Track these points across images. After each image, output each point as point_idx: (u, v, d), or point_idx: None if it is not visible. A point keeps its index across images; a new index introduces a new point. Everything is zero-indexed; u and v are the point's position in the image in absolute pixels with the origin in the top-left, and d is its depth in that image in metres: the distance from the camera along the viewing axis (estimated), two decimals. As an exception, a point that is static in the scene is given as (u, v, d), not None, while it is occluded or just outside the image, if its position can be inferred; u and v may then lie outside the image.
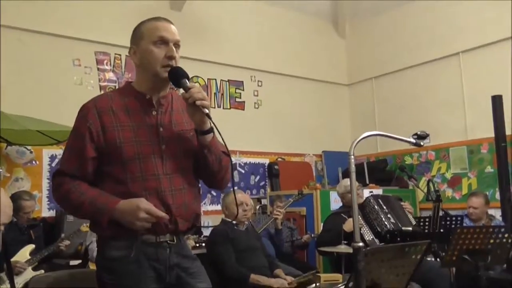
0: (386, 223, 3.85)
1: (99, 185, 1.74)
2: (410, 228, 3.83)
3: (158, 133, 1.77)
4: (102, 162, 1.74)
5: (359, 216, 3.92)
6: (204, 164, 1.82)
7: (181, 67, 1.76)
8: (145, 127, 1.76)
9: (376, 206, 3.97)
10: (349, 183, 4.19)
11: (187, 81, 1.72)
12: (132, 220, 1.65)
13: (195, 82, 6.13)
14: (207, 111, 1.68)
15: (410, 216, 4.08)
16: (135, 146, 1.72)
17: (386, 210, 3.95)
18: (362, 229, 3.85)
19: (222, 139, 1.72)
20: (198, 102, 1.66)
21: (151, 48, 1.75)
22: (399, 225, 3.84)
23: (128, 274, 1.69)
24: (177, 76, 1.74)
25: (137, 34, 1.81)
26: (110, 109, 1.75)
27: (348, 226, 3.75)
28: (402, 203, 4.27)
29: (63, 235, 4.11)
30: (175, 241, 1.78)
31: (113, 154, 1.71)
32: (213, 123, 1.72)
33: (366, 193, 4.82)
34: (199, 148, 1.79)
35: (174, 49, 1.76)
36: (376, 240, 3.83)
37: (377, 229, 3.87)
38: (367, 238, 3.83)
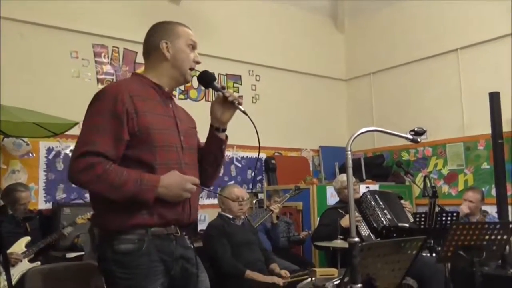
0: (382, 219, 3.85)
1: None
2: (406, 225, 3.83)
3: (177, 125, 1.87)
4: (129, 145, 1.74)
5: (357, 212, 3.93)
6: (215, 160, 1.98)
7: (208, 71, 1.96)
8: (167, 117, 1.85)
9: (372, 202, 3.98)
10: (345, 178, 4.22)
11: (216, 84, 1.94)
12: (179, 192, 1.72)
13: (193, 76, 6.11)
14: (242, 108, 1.88)
15: (409, 214, 4.06)
16: (163, 134, 1.79)
17: (383, 206, 3.95)
18: (358, 224, 3.85)
19: (256, 130, 1.89)
20: (240, 100, 1.88)
21: (187, 49, 1.90)
22: (395, 221, 3.84)
23: (140, 267, 1.71)
24: (209, 79, 1.94)
25: (173, 32, 1.90)
26: (139, 94, 1.80)
27: (345, 221, 3.75)
28: (402, 202, 4.25)
29: (64, 223, 4.09)
30: (179, 233, 1.83)
31: (144, 140, 1.74)
32: (250, 118, 1.86)
33: (362, 188, 4.83)
34: (214, 144, 1.96)
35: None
36: (372, 236, 3.84)
37: (373, 225, 3.87)
38: (363, 234, 3.84)
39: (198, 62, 1.93)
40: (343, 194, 4.25)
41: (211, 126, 1.97)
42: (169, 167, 1.76)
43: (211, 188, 5.71)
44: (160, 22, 1.95)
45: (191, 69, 1.91)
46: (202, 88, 6.16)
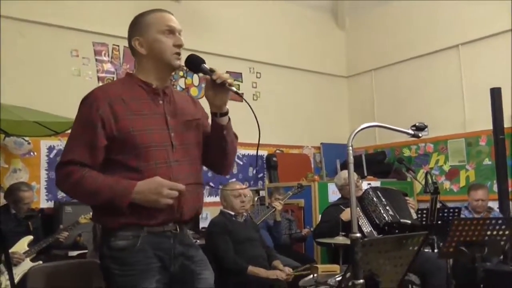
0: (384, 215, 3.81)
1: (107, 174, 1.73)
2: (409, 221, 3.80)
3: (166, 122, 1.81)
4: (112, 150, 1.74)
5: (358, 208, 3.92)
6: (220, 147, 1.89)
7: (195, 54, 1.83)
8: (154, 116, 1.80)
9: (374, 198, 3.94)
10: (347, 174, 4.18)
11: (205, 66, 1.80)
12: (157, 198, 1.68)
13: (193, 74, 6.11)
14: (234, 89, 1.78)
15: (412, 211, 4.02)
16: (148, 135, 1.75)
17: (385, 202, 3.92)
18: (360, 220, 3.84)
19: (254, 115, 1.77)
20: (229, 81, 1.76)
21: (160, 37, 1.80)
22: (398, 217, 3.82)
23: (136, 264, 1.71)
24: (196, 62, 1.82)
25: (142, 25, 1.83)
26: (120, 97, 1.77)
27: (345, 215, 3.74)
28: (407, 198, 4.22)
29: (61, 226, 4.12)
30: (178, 230, 1.81)
31: (126, 143, 1.72)
32: (245, 100, 1.80)
33: (364, 185, 4.82)
34: (216, 130, 1.87)
35: (181, 38, 1.83)
36: (375, 232, 3.82)
37: (375, 221, 3.84)
38: (365, 230, 3.82)
39: (179, 45, 1.81)
40: (345, 190, 4.24)
41: (211, 112, 1.89)
42: (155, 168, 1.73)
43: (213, 186, 5.75)
44: (134, 17, 1.87)
45: (176, 53, 1.81)
46: (203, 85, 6.15)
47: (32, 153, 4.87)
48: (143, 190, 1.67)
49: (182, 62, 1.84)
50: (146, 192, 1.67)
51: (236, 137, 1.97)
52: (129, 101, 1.77)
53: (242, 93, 1.81)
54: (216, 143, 1.89)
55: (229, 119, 1.88)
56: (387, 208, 3.87)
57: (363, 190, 4.13)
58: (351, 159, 1.79)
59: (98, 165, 1.73)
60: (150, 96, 1.82)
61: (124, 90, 1.80)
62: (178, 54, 1.81)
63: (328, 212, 4.20)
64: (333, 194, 5.26)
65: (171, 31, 1.81)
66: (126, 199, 1.67)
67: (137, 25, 1.84)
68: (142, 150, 1.73)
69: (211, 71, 1.77)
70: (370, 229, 3.83)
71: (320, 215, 4.74)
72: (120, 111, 1.74)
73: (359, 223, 3.82)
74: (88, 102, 1.76)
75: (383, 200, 3.94)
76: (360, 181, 4.38)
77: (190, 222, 1.89)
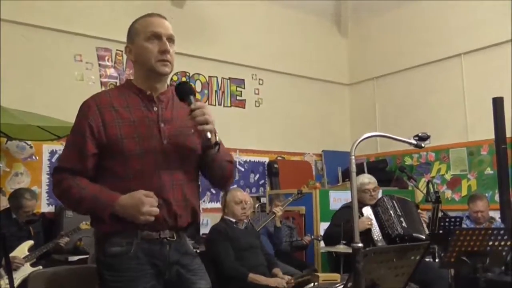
0: (397, 226, 3.72)
1: (99, 181, 1.75)
2: (422, 236, 3.67)
3: (159, 129, 1.78)
4: (102, 158, 1.75)
5: (371, 216, 3.85)
6: (209, 168, 1.87)
7: (187, 83, 1.80)
8: (146, 123, 1.77)
9: (389, 207, 3.84)
10: (365, 180, 4.14)
11: (192, 99, 1.72)
12: (135, 214, 1.65)
13: (196, 80, 6.13)
14: (209, 136, 1.68)
15: (425, 226, 3.91)
16: (136, 142, 1.73)
17: (399, 213, 3.82)
18: (372, 228, 3.77)
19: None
20: (199, 127, 1.67)
21: (145, 44, 1.78)
22: (410, 230, 3.72)
23: (128, 271, 1.70)
24: (184, 93, 1.75)
25: (132, 32, 1.84)
26: (111, 105, 1.77)
27: (361, 225, 3.64)
28: (419, 211, 4.11)
29: (62, 232, 4.11)
30: (175, 237, 1.78)
31: (115, 150, 1.72)
32: (218, 144, 1.75)
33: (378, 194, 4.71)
34: (204, 154, 1.84)
35: (167, 43, 1.78)
36: (385, 242, 3.72)
37: (387, 231, 3.75)
38: (376, 238, 3.75)
39: (164, 51, 1.76)
40: (359, 195, 4.14)
41: None
42: (144, 176, 1.71)
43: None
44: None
45: (161, 60, 1.76)
46: (206, 91, 6.16)
47: (34, 157, 4.88)
48: (124, 204, 1.66)
49: (170, 69, 1.80)
50: (126, 207, 1.66)
51: (230, 161, 1.90)
52: (120, 108, 1.76)
53: (219, 142, 1.74)
54: (205, 165, 1.86)
55: (218, 150, 1.78)
56: (401, 219, 3.77)
57: (377, 199, 4.03)
58: (353, 168, 1.78)
59: (90, 173, 1.75)
60: (144, 103, 1.80)
61: (118, 97, 1.80)
62: (164, 60, 1.76)
63: (340, 214, 4.08)
64: (335, 202, 5.25)
65: (157, 37, 1.77)
66: (107, 211, 1.67)
67: (129, 32, 1.85)
68: (129, 157, 1.72)
69: (192, 110, 1.69)
70: (380, 237, 3.77)
71: (321, 223, 4.73)
72: (110, 118, 1.74)
73: (371, 232, 3.76)
74: (80, 111, 1.79)
75: (398, 210, 3.84)
76: (378, 190, 4.16)
77: (188, 228, 1.86)
